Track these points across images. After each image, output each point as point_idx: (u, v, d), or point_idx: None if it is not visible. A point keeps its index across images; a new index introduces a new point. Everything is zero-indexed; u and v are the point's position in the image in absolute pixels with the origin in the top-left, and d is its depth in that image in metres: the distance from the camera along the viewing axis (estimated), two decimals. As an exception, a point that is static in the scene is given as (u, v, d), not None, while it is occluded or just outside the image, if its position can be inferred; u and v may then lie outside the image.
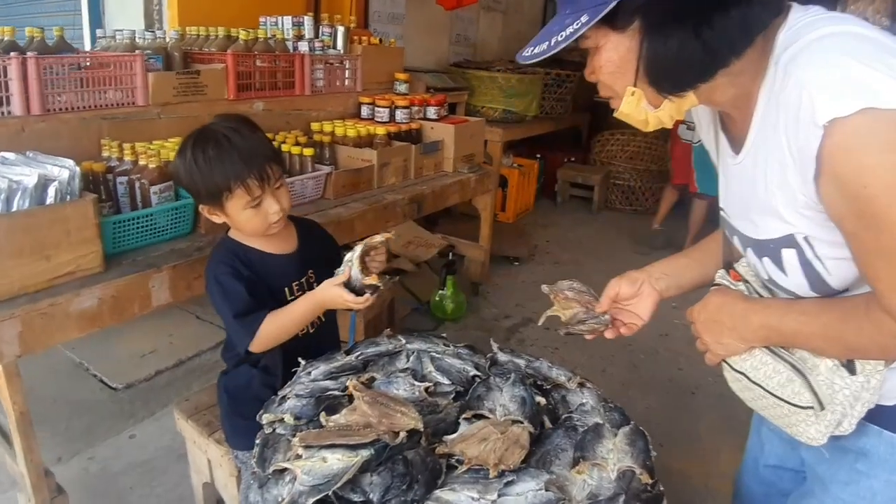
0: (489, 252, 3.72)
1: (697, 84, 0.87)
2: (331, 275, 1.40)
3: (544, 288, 1.33)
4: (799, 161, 0.81)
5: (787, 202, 0.87)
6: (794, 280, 0.96)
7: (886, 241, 0.76)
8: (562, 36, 0.84)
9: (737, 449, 2.39)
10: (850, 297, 0.90)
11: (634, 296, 1.27)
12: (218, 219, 1.44)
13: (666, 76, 0.86)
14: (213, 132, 1.37)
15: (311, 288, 1.51)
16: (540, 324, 1.32)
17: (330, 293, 1.37)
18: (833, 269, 0.90)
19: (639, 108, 0.91)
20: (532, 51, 0.89)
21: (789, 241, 0.91)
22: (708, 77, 0.85)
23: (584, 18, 0.83)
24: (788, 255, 0.93)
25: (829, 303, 0.92)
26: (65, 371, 2.73)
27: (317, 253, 1.56)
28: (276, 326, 1.39)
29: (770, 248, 0.95)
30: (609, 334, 1.29)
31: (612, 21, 0.83)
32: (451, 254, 3.45)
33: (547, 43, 0.87)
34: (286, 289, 1.48)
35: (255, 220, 1.40)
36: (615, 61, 0.88)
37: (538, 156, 5.63)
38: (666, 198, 4.79)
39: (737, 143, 0.97)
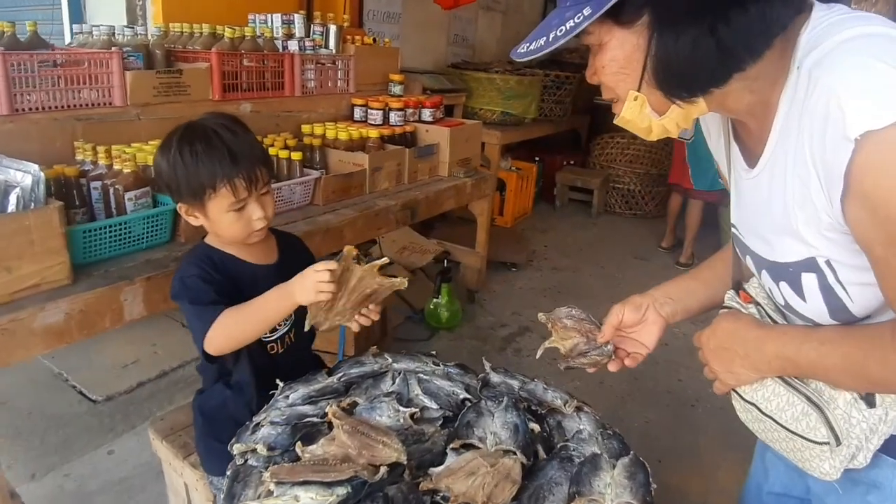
0: (486, 258, 3.62)
1: (710, 88, 0.78)
2: None
3: (541, 316, 1.24)
4: (824, 178, 0.72)
5: (808, 223, 0.79)
6: (813, 307, 0.87)
7: None
8: (561, 31, 0.76)
9: (737, 464, 2.32)
10: (874, 325, 0.82)
11: (639, 323, 1.18)
12: (196, 221, 1.34)
13: (676, 78, 0.77)
14: (203, 127, 1.29)
15: None
16: (538, 356, 1.23)
17: (302, 276, 1.22)
18: (856, 296, 0.82)
19: (642, 114, 0.83)
20: (528, 47, 0.80)
21: (810, 265, 0.83)
22: (722, 81, 0.77)
23: (586, 11, 0.74)
24: (808, 280, 0.84)
25: (850, 332, 0.83)
26: (43, 382, 2.63)
27: (297, 269, 1.45)
28: (235, 319, 1.24)
29: (788, 273, 0.87)
30: (612, 367, 1.20)
31: (618, 15, 0.75)
32: (446, 261, 3.36)
33: (545, 38, 0.78)
34: None
35: (236, 226, 1.30)
36: (620, 60, 0.79)
37: (537, 159, 5.54)
38: (671, 206, 4.68)
39: (752, 156, 0.88)
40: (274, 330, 1.40)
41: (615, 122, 0.87)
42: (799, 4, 0.76)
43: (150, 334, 2.92)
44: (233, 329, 1.25)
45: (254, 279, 1.37)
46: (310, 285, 1.20)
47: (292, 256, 1.47)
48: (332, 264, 1.20)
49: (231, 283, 1.33)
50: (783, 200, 0.81)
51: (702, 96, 0.79)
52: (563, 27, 0.76)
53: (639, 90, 0.80)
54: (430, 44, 5.12)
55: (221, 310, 1.25)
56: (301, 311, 1.30)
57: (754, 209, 0.91)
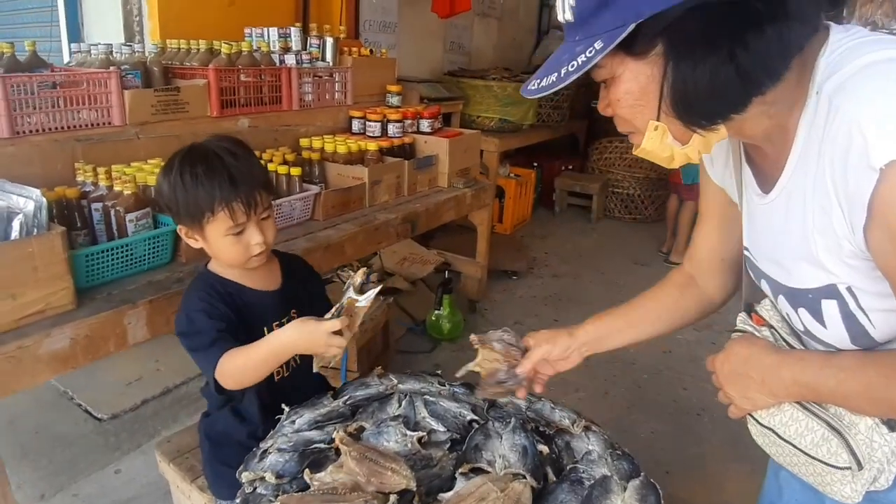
0: (486, 268, 3.61)
1: (731, 115, 0.76)
2: (315, 314, 1.29)
3: (473, 338, 1.27)
4: (847, 206, 0.72)
5: (829, 250, 0.78)
6: (834, 333, 0.86)
7: None
8: (573, 66, 0.74)
9: (744, 475, 2.32)
10: (894, 351, 0.81)
11: (562, 359, 1.25)
12: (196, 244, 1.34)
13: (697, 107, 0.75)
14: (206, 149, 1.29)
15: None
16: (459, 375, 1.28)
17: (310, 333, 1.18)
18: (878, 322, 0.81)
19: (663, 143, 0.80)
20: (539, 84, 0.78)
21: (830, 291, 0.82)
22: (742, 107, 0.75)
23: (597, 45, 0.72)
24: (829, 306, 0.84)
25: (870, 358, 0.82)
26: (49, 400, 2.62)
27: (301, 291, 1.45)
28: (238, 364, 1.23)
29: (808, 299, 0.86)
30: (521, 394, 1.28)
31: (631, 46, 0.73)
32: (447, 272, 3.35)
33: (556, 74, 0.76)
34: (265, 328, 1.37)
35: (234, 250, 1.30)
36: (635, 93, 0.77)
37: (535, 164, 5.54)
38: (669, 208, 4.68)
39: (767, 180, 0.87)
40: None
41: (634, 152, 0.85)
42: (815, 23, 0.74)
43: (152, 351, 2.91)
44: (239, 376, 1.25)
45: (257, 305, 1.37)
46: (320, 344, 1.18)
47: (296, 279, 1.47)
48: (338, 323, 1.17)
49: (236, 312, 1.33)
50: (802, 227, 0.80)
51: (722, 123, 0.78)
52: (574, 62, 0.74)
53: (658, 120, 0.78)
54: (426, 52, 5.12)
55: (219, 353, 1.22)
56: None
57: (770, 234, 0.90)
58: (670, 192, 4.68)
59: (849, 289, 0.80)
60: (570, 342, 1.22)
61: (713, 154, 1.02)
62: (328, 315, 1.20)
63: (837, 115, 0.70)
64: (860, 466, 0.85)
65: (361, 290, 1.23)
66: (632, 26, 0.70)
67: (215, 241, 1.30)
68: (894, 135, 0.64)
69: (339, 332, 1.18)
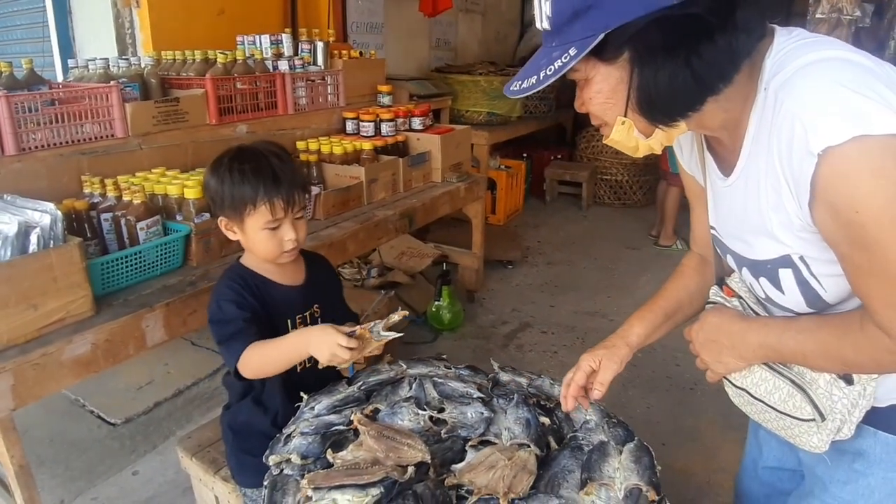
0: (482, 259, 3.70)
1: (689, 113, 0.86)
2: (333, 315, 1.40)
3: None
4: (794, 187, 0.82)
5: (782, 224, 0.88)
6: (791, 298, 0.97)
7: (879, 262, 0.78)
8: (550, 69, 0.83)
9: (737, 443, 2.41)
10: (844, 313, 0.91)
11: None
12: (234, 236, 1.43)
13: (658, 107, 0.85)
14: (255, 150, 1.40)
15: (314, 322, 1.49)
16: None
17: (323, 333, 1.26)
18: (829, 286, 0.91)
19: (629, 136, 0.91)
20: (520, 85, 0.88)
21: (786, 261, 0.92)
22: (699, 105, 0.85)
23: (572, 51, 0.81)
24: (785, 274, 0.94)
25: (824, 321, 0.93)
26: (61, 409, 2.68)
27: (323, 289, 1.54)
28: (260, 356, 1.33)
29: (767, 269, 0.96)
30: (569, 406, 1.28)
31: (601, 53, 0.82)
32: (444, 264, 3.44)
33: (535, 77, 0.85)
34: (289, 320, 1.46)
35: (269, 244, 1.39)
36: (605, 93, 0.87)
37: (525, 155, 5.62)
38: (659, 194, 4.76)
39: (726, 166, 0.98)
40: None
41: (604, 141, 0.95)
42: (761, 31, 0.84)
43: (161, 355, 2.98)
44: (258, 367, 1.34)
45: (282, 299, 1.46)
46: (326, 350, 1.25)
47: (319, 277, 1.56)
48: (354, 342, 1.25)
49: (261, 303, 1.41)
50: (758, 205, 0.90)
51: (682, 120, 0.88)
52: (552, 66, 0.83)
53: (625, 116, 0.89)
54: (412, 50, 5.19)
55: (244, 346, 1.32)
56: None
57: (731, 213, 1.00)
58: (660, 178, 4.77)
59: (801, 258, 0.90)
60: (628, 353, 1.25)
61: (681, 145, 1.13)
62: (347, 331, 1.27)
63: (782, 109, 0.80)
64: (823, 418, 0.95)
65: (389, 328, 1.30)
66: (601, 36, 0.80)
67: (253, 234, 1.39)
68: (827, 126, 0.74)
69: (347, 349, 1.25)
